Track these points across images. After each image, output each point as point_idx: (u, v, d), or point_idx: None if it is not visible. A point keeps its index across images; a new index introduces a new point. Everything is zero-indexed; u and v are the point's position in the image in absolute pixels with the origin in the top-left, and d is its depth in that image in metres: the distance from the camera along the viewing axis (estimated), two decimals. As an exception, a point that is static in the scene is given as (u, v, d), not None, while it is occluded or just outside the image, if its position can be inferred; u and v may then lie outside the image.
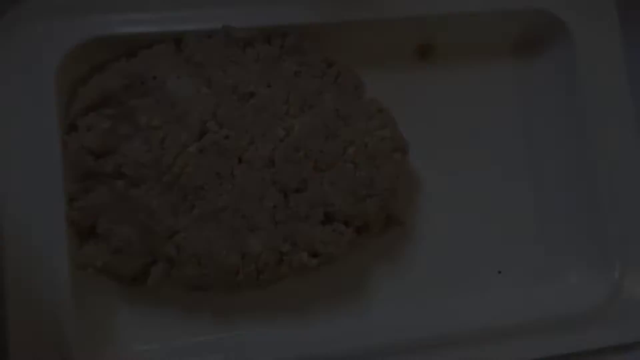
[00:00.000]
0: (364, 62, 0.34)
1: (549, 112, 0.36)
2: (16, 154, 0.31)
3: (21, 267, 0.30)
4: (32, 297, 0.30)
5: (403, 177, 0.33)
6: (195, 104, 0.33)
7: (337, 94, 0.35)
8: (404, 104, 0.34)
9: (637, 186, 0.34)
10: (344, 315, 0.33)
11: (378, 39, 0.35)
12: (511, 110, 0.36)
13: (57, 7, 0.32)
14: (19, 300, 0.30)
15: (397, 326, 0.32)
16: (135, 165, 0.31)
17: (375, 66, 0.35)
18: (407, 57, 0.36)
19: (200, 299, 0.33)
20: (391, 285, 0.34)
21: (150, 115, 0.32)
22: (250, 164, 0.33)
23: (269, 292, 0.32)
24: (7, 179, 0.31)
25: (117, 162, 0.32)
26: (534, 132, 0.36)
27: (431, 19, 0.33)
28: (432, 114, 0.36)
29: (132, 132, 0.32)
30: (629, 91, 0.34)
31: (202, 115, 0.32)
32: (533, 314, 0.32)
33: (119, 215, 0.32)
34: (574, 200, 0.35)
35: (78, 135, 0.32)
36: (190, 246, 0.31)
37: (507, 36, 0.36)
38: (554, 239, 0.35)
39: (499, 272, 0.34)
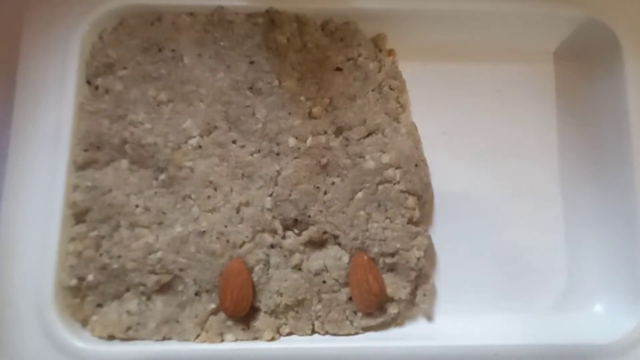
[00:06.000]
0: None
1: (589, 127, 0.33)
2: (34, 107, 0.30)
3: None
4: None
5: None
6: (207, 87, 0.30)
7: (374, 99, 0.31)
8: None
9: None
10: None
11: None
12: (549, 119, 0.34)
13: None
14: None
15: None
16: (137, 147, 0.29)
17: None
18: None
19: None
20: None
21: (159, 88, 0.30)
22: (252, 181, 0.30)
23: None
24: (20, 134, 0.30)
25: (123, 136, 0.29)
26: (570, 149, 0.34)
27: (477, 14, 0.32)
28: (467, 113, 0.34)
29: (140, 99, 0.30)
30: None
31: (210, 104, 0.30)
32: (552, 339, 0.30)
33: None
34: (608, 227, 0.32)
35: (95, 99, 0.30)
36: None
37: (552, 40, 0.34)
38: (584, 265, 0.33)
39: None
